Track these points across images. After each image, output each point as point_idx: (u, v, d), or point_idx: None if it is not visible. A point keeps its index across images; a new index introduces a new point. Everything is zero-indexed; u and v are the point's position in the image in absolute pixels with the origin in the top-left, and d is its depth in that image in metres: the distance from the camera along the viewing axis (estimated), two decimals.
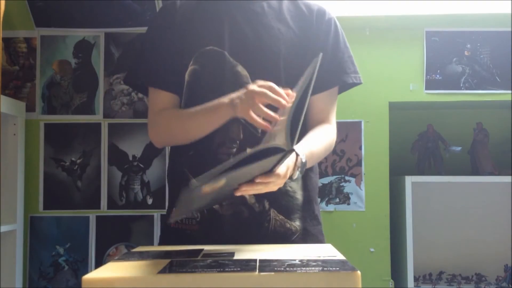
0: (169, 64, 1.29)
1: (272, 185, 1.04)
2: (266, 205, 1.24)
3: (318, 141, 1.25)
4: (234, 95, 1.13)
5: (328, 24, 1.32)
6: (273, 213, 1.24)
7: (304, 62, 1.26)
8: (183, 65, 1.26)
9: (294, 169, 1.11)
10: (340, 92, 1.37)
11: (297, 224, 1.27)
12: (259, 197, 1.23)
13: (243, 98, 1.09)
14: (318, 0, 1.37)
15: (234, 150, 1.23)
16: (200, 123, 1.22)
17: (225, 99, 1.14)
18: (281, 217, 1.25)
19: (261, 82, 1.09)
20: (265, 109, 1.05)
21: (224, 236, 1.20)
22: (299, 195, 1.28)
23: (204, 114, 1.20)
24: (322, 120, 1.32)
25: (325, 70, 1.28)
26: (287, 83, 1.19)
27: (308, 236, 1.29)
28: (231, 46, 1.24)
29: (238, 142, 1.23)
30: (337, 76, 1.31)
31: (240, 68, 1.24)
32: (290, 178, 1.13)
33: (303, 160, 1.13)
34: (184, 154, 1.28)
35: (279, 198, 1.25)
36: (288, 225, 1.26)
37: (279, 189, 1.24)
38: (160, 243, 1.35)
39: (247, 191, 1.03)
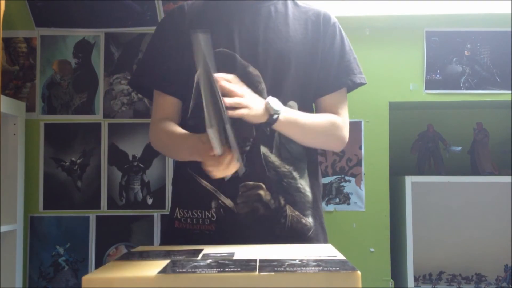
0: (176, 67, 1.30)
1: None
2: (282, 201, 1.24)
3: (311, 117, 1.28)
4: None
5: (334, 28, 1.35)
6: (289, 209, 1.25)
7: (312, 64, 1.29)
8: (191, 67, 1.27)
9: (266, 110, 1.17)
10: (348, 92, 1.40)
11: (310, 220, 1.28)
12: (274, 193, 1.24)
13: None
14: (318, 0, 1.38)
15: (247, 148, 1.24)
16: (183, 155, 1.27)
17: (197, 144, 1.18)
18: (297, 213, 1.26)
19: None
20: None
21: (241, 234, 1.20)
22: (308, 192, 1.30)
23: (185, 151, 1.25)
24: (330, 113, 1.34)
25: (334, 72, 1.33)
26: (297, 82, 1.26)
27: (319, 234, 1.30)
28: (242, 48, 1.26)
29: (251, 140, 1.24)
30: (346, 77, 1.35)
31: (252, 69, 1.25)
32: (267, 123, 1.18)
33: (275, 107, 1.18)
34: None
35: (293, 194, 1.26)
36: (304, 221, 1.27)
37: (292, 185, 1.25)
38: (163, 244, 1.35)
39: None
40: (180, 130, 1.28)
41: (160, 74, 1.32)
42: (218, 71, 1.25)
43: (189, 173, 1.28)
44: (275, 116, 1.18)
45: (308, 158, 1.33)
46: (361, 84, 1.38)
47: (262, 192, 1.23)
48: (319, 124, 1.30)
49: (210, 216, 1.25)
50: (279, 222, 1.24)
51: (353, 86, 1.38)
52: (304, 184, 1.29)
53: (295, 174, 1.27)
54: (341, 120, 1.35)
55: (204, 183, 1.25)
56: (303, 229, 1.27)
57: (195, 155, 1.16)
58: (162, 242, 1.38)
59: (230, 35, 1.27)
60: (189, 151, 1.20)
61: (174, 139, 1.27)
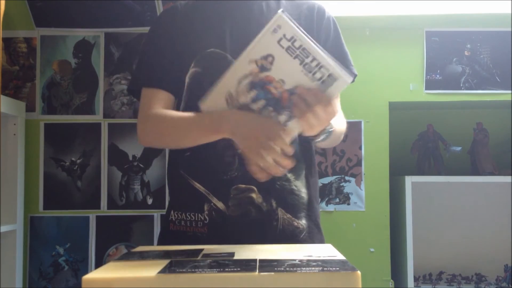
0: (168, 66, 1.28)
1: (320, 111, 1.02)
2: (274, 204, 1.24)
3: (336, 122, 1.28)
4: (231, 119, 1.07)
5: (328, 21, 1.34)
6: (280, 212, 1.24)
7: None
8: (183, 67, 1.26)
9: (322, 131, 1.13)
10: None
11: (303, 222, 1.27)
12: (266, 196, 1.23)
13: (248, 138, 1.04)
14: (319, 0, 1.38)
15: (232, 175, 1.23)
16: (194, 137, 1.19)
17: (222, 120, 1.09)
18: (288, 215, 1.25)
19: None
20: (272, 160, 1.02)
21: (233, 237, 1.19)
22: (304, 193, 1.29)
23: (198, 131, 1.17)
24: None
25: None
26: None
27: (314, 234, 1.29)
28: (233, 48, 1.24)
29: (235, 166, 1.23)
30: (346, 69, 1.34)
31: None
32: (315, 137, 1.15)
33: (331, 128, 1.16)
34: (180, 155, 1.27)
35: (286, 197, 1.25)
36: (296, 224, 1.26)
37: (285, 187, 1.24)
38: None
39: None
40: (187, 116, 1.20)
41: (153, 73, 1.29)
42: (210, 72, 1.24)
43: (182, 174, 1.27)
44: (327, 133, 1.16)
45: (305, 157, 1.32)
46: (356, 75, 1.38)
47: (254, 195, 1.22)
48: (340, 128, 1.31)
49: (203, 218, 1.24)
50: (271, 225, 1.24)
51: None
52: (299, 185, 1.28)
53: (289, 175, 1.26)
54: (342, 116, 1.36)
55: (197, 185, 1.24)
56: (294, 231, 1.26)
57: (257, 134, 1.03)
58: (158, 244, 1.37)
59: (222, 34, 1.26)
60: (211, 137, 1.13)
61: (186, 124, 1.18)
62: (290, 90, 1.02)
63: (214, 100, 1.07)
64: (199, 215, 1.24)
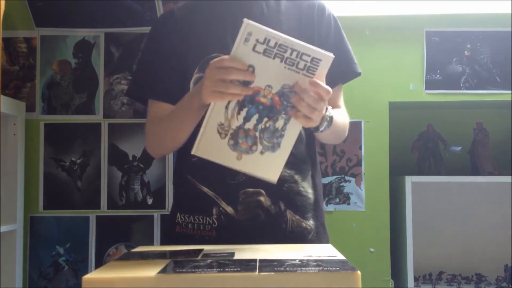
0: (170, 74, 1.28)
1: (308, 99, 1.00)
2: (282, 206, 1.24)
3: (339, 114, 1.27)
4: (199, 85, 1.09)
5: (329, 19, 1.33)
6: (289, 214, 1.24)
7: None
8: (186, 73, 1.26)
9: (322, 119, 1.11)
10: (347, 81, 1.39)
11: (311, 223, 1.28)
12: (274, 199, 1.23)
13: (205, 83, 1.02)
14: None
15: None
16: (179, 122, 1.21)
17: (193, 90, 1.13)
18: (297, 217, 1.25)
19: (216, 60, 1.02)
20: (234, 85, 0.99)
21: (242, 241, 1.17)
22: (310, 194, 1.29)
23: (179, 112, 1.20)
24: (334, 107, 1.33)
25: (336, 64, 1.30)
26: None
27: (321, 234, 1.30)
28: None
29: None
30: (350, 68, 1.35)
31: None
32: (317, 128, 1.13)
33: (330, 114, 1.13)
34: (187, 161, 1.27)
35: (294, 199, 1.25)
36: (304, 225, 1.26)
37: (293, 189, 1.24)
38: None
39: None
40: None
41: (154, 83, 1.29)
42: None
43: (189, 179, 1.27)
44: (327, 121, 1.13)
45: (310, 158, 1.32)
46: (360, 74, 1.37)
47: (262, 198, 1.22)
48: (344, 122, 1.30)
49: (211, 222, 1.24)
50: (280, 227, 1.24)
51: (354, 76, 1.37)
52: (306, 186, 1.28)
53: (297, 177, 1.26)
54: (345, 111, 1.36)
55: (205, 189, 1.24)
56: (303, 232, 1.26)
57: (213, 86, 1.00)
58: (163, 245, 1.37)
59: (223, 38, 1.24)
60: (192, 111, 1.13)
61: (171, 112, 1.22)
62: (279, 92, 1.00)
63: (205, 139, 1.03)
64: (207, 218, 1.24)
